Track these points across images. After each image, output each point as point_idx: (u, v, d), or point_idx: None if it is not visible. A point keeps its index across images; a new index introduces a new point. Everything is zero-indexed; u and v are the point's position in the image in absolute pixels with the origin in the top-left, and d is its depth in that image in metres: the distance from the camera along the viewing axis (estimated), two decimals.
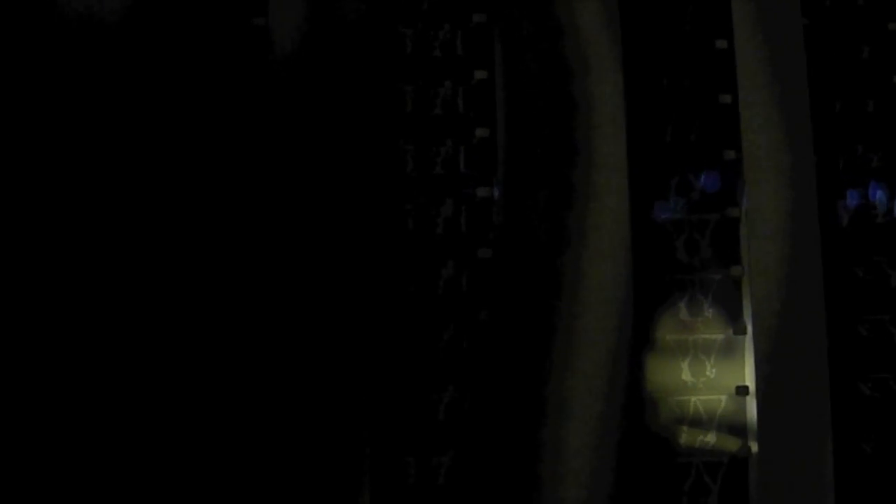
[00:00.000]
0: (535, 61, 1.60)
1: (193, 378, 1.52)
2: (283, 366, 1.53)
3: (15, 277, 1.53)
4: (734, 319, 1.56)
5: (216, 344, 1.52)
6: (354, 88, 1.58)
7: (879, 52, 1.65)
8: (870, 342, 1.59)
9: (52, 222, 1.54)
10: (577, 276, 1.56)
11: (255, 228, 1.54)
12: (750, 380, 1.55)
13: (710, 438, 1.55)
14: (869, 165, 1.63)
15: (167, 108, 1.56)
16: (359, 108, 1.58)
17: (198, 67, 1.57)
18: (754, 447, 1.54)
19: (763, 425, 1.54)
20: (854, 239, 1.61)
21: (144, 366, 1.51)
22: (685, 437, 1.55)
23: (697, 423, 1.56)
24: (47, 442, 1.51)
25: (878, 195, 1.62)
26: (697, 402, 1.56)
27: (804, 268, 1.58)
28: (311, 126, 1.57)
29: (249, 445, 1.51)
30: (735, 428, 1.55)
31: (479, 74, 1.59)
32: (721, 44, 1.61)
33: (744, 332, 1.56)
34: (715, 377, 1.56)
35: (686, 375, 1.56)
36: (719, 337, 1.57)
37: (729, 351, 1.56)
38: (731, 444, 1.55)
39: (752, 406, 1.55)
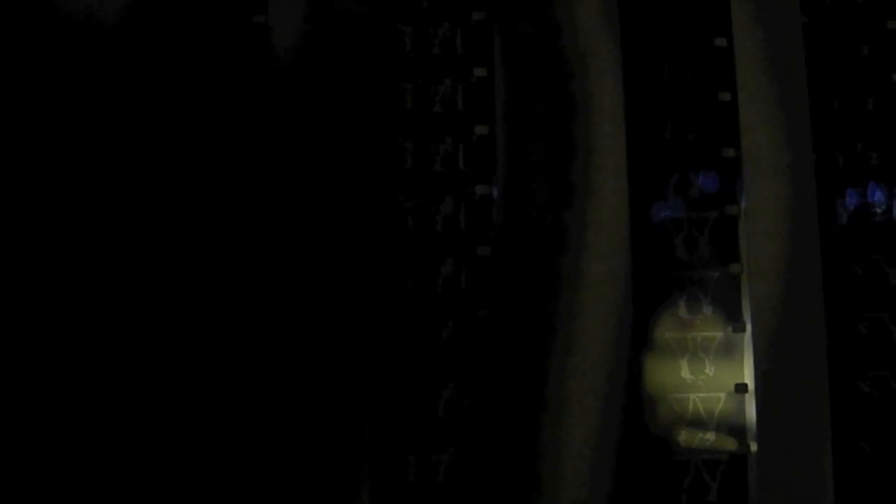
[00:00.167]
0: (534, 59, 1.60)
1: (192, 376, 1.52)
2: (282, 363, 1.53)
3: (15, 277, 1.53)
4: (733, 317, 1.57)
5: (215, 342, 1.52)
6: (354, 86, 1.58)
7: (879, 51, 1.65)
8: (869, 340, 1.59)
9: (52, 222, 1.54)
10: (577, 274, 1.56)
11: (255, 226, 1.54)
12: (749, 378, 1.55)
13: (710, 436, 1.55)
14: (868, 163, 1.63)
15: (167, 105, 1.56)
16: (358, 106, 1.58)
17: (198, 65, 1.57)
18: (753, 445, 1.54)
19: (762, 423, 1.54)
20: (853, 237, 1.61)
21: (143, 357, 1.51)
22: (684, 434, 1.55)
23: (696, 420, 1.56)
24: (47, 442, 1.51)
25: (877, 193, 1.62)
26: (696, 399, 1.56)
27: (803, 266, 1.58)
28: (311, 123, 1.57)
29: (249, 442, 1.51)
30: (734, 426, 1.55)
31: (479, 72, 1.59)
32: (720, 42, 1.61)
33: (743, 330, 1.56)
34: (714, 375, 1.56)
35: (685, 373, 1.56)
36: (718, 335, 1.57)
37: (728, 349, 1.56)
38: (731, 441, 1.55)
39: (751, 404, 1.55)
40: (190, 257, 1.54)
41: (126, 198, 1.54)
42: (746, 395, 1.55)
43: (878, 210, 1.62)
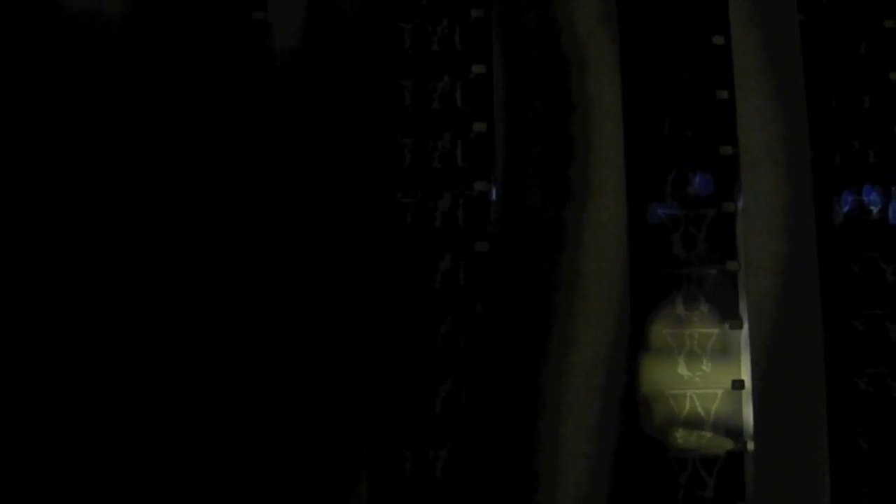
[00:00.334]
0: (533, 56, 1.60)
1: (188, 373, 1.52)
2: (280, 359, 1.53)
3: (15, 277, 1.53)
4: (730, 314, 1.57)
5: (212, 340, 1.52)
6: (353, 83, 1.58)
7: (876, 49, 1.65)
8: (866, 337, 1.60)
9: (52, 220, 1.54)
10: (574, 270, 1.57)
11: (254, 222, 1.54)
12: (746, 374, 1.56)
13: (706, 432, 1.56)
14: (865, 162, 1.63)
15: (168, 102, 1.57)
16: (357, 103, 1.58)
17: (198, 62, 1.57)
18: (750, 441, 1.55)
19: (759, 420, 1.55)
20: (850, 234, 1.62)
21: (140, 349, 1.52)
22: (681, 431, 1.56)
23: (693, 417, 1.56)
24: (47, 442, 1.51)
25: (874, 191, 1.63)
26: (694, 396, 1.56)
27: (800, 263, 1.59)
28: (310, 120, 1.57)
29: (247, 438, 1.51)
30: (731, 422, 1.55)
31: (478, 69, 1.59)
32: (718, 40, 1.61)
33: (740, 327, 1.56)
34: (711, 372, 1.56)
35: (682, 370, 1.57)
36: (715, 332, 1.57)
37: (725, 346, 1.57)
38: (727, 438, 1.55)
39: (747, 400, 1.55)
40: (188, 253, 1.54)
41: (124, 189, 1.54)
42: (743, 392, 1.55)
43: (875, 208, 1.63)
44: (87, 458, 1.51)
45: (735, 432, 1.55)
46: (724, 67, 1.61)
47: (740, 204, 1.59)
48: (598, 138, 1.59)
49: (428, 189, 1.57)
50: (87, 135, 1.56)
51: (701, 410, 1.56)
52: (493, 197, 1.57)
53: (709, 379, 1.56)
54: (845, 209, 1.62)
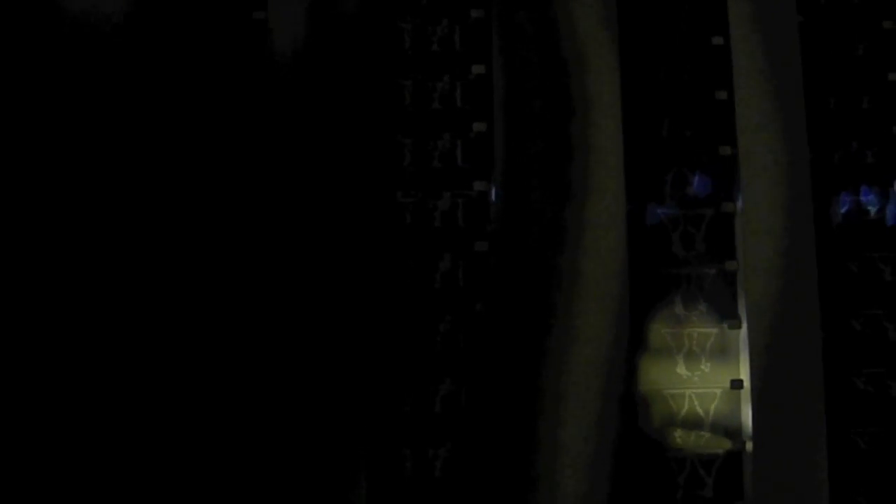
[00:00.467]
0: (532, 57, 1.60)
1: (189, 370, 1.52)
2: (280, 358, 1.53)
3: (17, 277, 1.53)
4: (729, 314, 1.57)
5: (213, 337, 1.53)
6: (353, 83, 1.59)
7: (874, 50, 1.66)
8: (864, 337, 1.60)
9: (54, 221, 1.55)
10: (574, 270, 1.57)
11: (254, 221, 1.55)
12: (744, 374, 1.56)
13: (705, 432, 1.56)
14: (864, 162, 1.64)
15: (169, 102, 1.57)
16: (357, 103, 1.58)
17: (198, 61, 1.58)
18: (749, 441, 1.55)
19: (757, 419, 1.55)
20: (848, 234, 1.62)
21: (139, 343, 1.52)
22: (680, 430, 1.56)
23: (692, 417, 1.56)
24: (47, 441, 1.51)
25: (872, 192, 1.63)
26: (692, 396, 1.56)
27: (799, 263, 1.59)
28: (310, 120, 1.58)
29: (246, 437, 1.52)
30: (730, 422, 1.56)
31: (477, 69, 1.59)
32: (717, 40, 1.62)
33: (739, 327, 1.57)
34: (710, 371, 1.57)
35: (681, 369, 1.57)
36: (714, 331, 1.57)
37: (724, 345, 1.57)
38: (726, 437, 1.56)
39: (746, 400, 1.55)
40: (189, 252, 1.54)
41: (125, 187, 1.55)
42: (742, 392, 1.56)
43: (873, 208, 1.63)
44: (87, 457, 1.51)
45: (734, 432, 1.55)
46: (724, 68, 1.62)
47: (739, 204, 1.59)
48: (597, 138, 1.59)
49: (428, 189, 1.57)
50: (88, 135, 1.56)
51: (700, 410, 1.56)
52: (493, 197, 1.57)
53: (707, 378, 1.57)
54: (844, 209, 1.63)
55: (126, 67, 1.58)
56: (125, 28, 1.58)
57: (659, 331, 1.57)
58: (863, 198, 1.63)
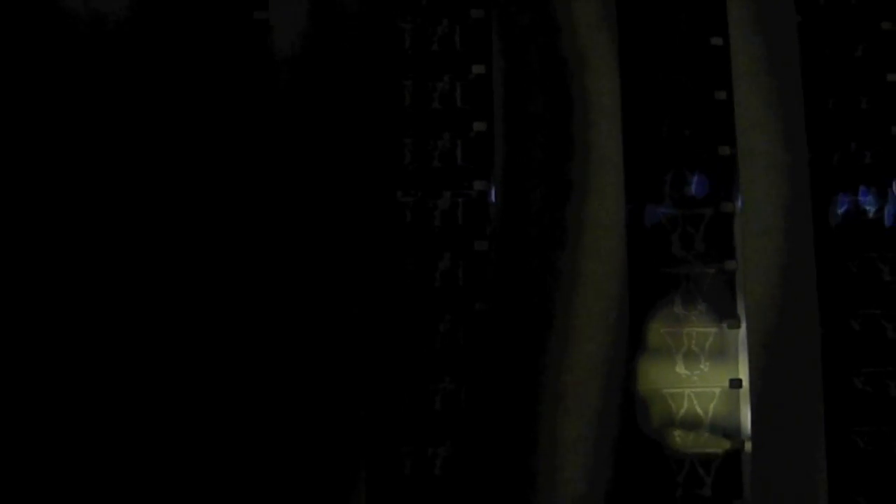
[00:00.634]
0: (532, 57, 1.61)
1: (188, 368, 1.52)
2: (279, 357, 1.53)
3: (16, 277, 1.53)
4: (728, 313, 1.57)
5: (213, 335, 1.53)
6: (354, 82, 1.59)
7: (873, 51, 1.66)
8: (863, 336, 1.60)
9: (54, 221, 1.55)
10: (573, 269, 1.57)
11: (255, 220, 1.55)
12: (743, 373, 1.56)
13: (704, 431, 1.56)
14: (862, 162, 1.64)
15: (170, 101, 1.57)
16: (358, 102, 1.59)
17: (200, 61, 1.58)
18: (748, 440, 1.55)
19: (756, 418, 1.55)
20: (847, 234, 1.63)
21: (138, 339, 1.52)
22: (679, 429, 1.56)
23: (691, 416, 1.56)
24: (47, 441, 1.51)
25: (870, 192, 1.63)
26: (691, 395, 1.57)
27: (798, 262, 1.59)
28: (311, 119, 1.58)
29: (246, 436, 1.52)
30: (728, 421, 1.56)
31: (477, 69, 1.60)
32: (717, 41, 1.62)
33: (738, 326, 1.57)
34: (709, 371, 1.57)
35: (680, 369, 1.57)
36: (713, 331, 1.58)
37: (723, 345, 1.57)
38: (725, 436, 1.56)
39: (745, 399, 1.56)
40: (189, 250, 1.54)
41: (126, 184, 1.55)
42: (741, 391, 1.56)
43: (872, 208, 1.63)
44: (87, 457, 1.51)
45: (733, 431, 1.56)
46: (723, 68, 1.62)
47: (738, 204, 1.60)
48: (597, 138, 1.60)
49: (428, 188, 1.57)
50: (88, 134, 1.56)
51: (699, 409, 1.57)
52: (493, 196, 1.57)
53: (707, 378, 1.57)
54: (842, 209, 1.63)
55: (127, 66, 1.58)
56: (126, 27, 1.59)
57: (658, 330, 1.58)
58: (861, 198, 1.63)
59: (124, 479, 1.51)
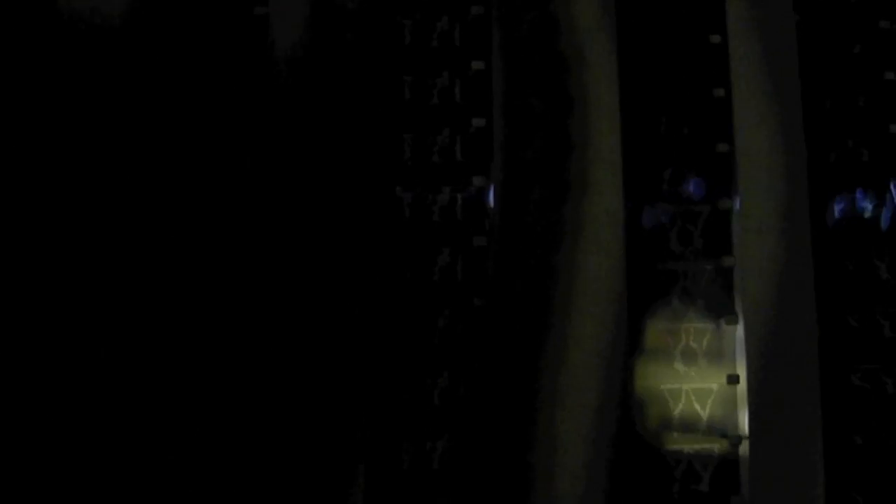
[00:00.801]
0: (531, 53, 1.61)
1: (186, 364, 1.52)
2: (278, 352, 1.54)
3: (15, 277, 1.53)
4: (726, 310, 1.58)
5: (211, 330, 1.53)
6: (353, 78, 1.59)
7: (870, 49, 1.67)
8: (860, 333, 1.61)
9: (54, 221, 1.55)
10: (572, 265, 1.58)
11: (254, 216, 1.55)
12: (741, 369, 1.56)
13: (701, 427, 1.56)
14: (859, 160, 1.64)
15: (169, 98, 1.58)
16: (357, 98, 1.59)
17: (200, 57, 1.58)
18: (745, 436, 1.55)
19: (754, 415, 1.56)
20: (844, 232, 1.63)
21: (138, 337, 1.52)
22: (676, 425, 1.56)
23: (688, 412, 1.57)
24: (47, 441, 1.51)
25: (867, 190, 1.64)
26: (689, 391, 1.57)
27: (795, 259, 1.60)
28: (311, 115, 1.58)
29: (244, 431, 1.52)
30: (726, 417, 1.56)
31: (477, 65, 1.60)
32: (715, 39, 1.63)
33: (735, 323, 1.57)
34: (706, 367, 1.57)
35: (678, 365, 1.57)
36: (711, 327, 1.58)
37: (721, 341, 1.58)
38: (722, 433, 1.56)
39: (743, 396, 1.56)
40: (188, 247, 1.55)
41: (125, 182, 1.55)
42: (738, 387, 1.56)
43: (869, 206, 1.64)
44: (86, 457, 1.51)
45: (730, 427, 1.56)
46: (721, 66, 1.62)
47: (736, 201, 1.60)
48: (595, 135, 1.60)
49: (427, 183, 1.58)
50: (87, 132, 1.57)
51: (696, 405, 1.57)
52: (492, 192, 1.58)
53: (704, 374, 1.57)
54: (840, 207, 1.64)
55: (127, 63, 1.58)
56: (125, 24, 1.59)
57: (656, 326, 1.58)
58: (859, 196, 1.64)
59: (125, 475, 1.51)
